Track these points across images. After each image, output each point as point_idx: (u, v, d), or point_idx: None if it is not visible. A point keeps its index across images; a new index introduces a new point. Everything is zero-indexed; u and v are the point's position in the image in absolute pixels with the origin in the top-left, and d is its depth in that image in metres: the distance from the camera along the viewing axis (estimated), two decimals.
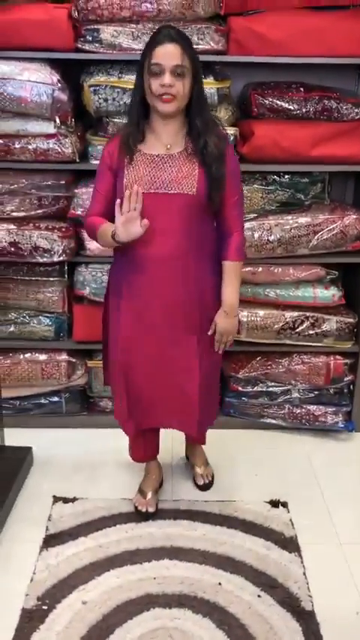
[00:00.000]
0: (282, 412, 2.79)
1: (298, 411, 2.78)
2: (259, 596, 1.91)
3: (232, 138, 2.38)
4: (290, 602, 1.89)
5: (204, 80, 2.21)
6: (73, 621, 1.81)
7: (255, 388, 2.77)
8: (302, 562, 2.06)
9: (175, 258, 1.86)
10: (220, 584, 1.95)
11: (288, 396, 2.78)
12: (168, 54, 1.70)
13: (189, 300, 1.92)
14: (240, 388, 2.77)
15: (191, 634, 1.78)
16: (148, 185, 1.79)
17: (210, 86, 2.28)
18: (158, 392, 2.02)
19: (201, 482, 2.39)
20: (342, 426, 2.77)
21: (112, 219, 1.82)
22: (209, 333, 1.99)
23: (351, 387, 2.78)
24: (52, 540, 2.11)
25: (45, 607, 1.85)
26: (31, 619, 1.81)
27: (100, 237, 1.87)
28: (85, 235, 2.52)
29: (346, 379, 2.74)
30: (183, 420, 2.07)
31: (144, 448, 2.24)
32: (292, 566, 2.03)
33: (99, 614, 1.83)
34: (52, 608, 1.85)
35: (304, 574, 2.01)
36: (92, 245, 2.52)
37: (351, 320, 2.68)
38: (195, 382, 1.99)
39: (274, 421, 2.79)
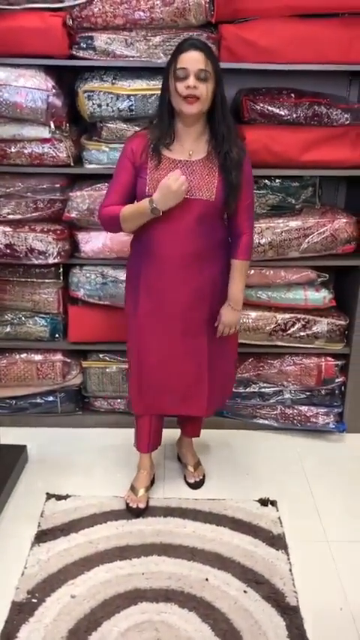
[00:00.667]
0: (274, 413, 2.83)
1: (290, 411, 2.82)
2: (245, 591, 1.95)
3: None
4: (275, 598, 1.93)
5: None
6: (62, 614, 1.85)
7: (247, 389, 2.81)
8: (289, 559, 2.09)
9: (191, 256, 2.00)
10: (207, 579, 1.99)
11: (280, 397, 2.81)
12: (193, 59, 1.84)
13: (202, 296, 2.06)
14: (233, 389, 2.80)
15: (177, 627, 1.81)
16: None
17: None
18: (169, 378, 2.15)
19: (192, 480, 2.45)
20: (333, 426, 2.80)
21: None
22: (215, 324, 2.12)
23: (342, 388, 2.81)
24: (43, 536, 2.16)
25: (35, 600, 1.89)
26: (20, 611, 1.85)
27: (127, 219, 1.95)
28: (80, 237, 2.57)
29: (337, 380, 2.78)
30: (193, 403, 2.19)
31: (149, 436, 2.29)
32: (279, 562, 2.07)
33: (87, 607, 1.87)
34: (42, 601, 1.89)
35: (290, 570, 2.04)
36: (87, 247, 2.57)
37: (342, 322, 2.71)
38: (204, 366, 2.14)
39: (266, 422, 2.83)
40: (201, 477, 2.47)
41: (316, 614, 1.88)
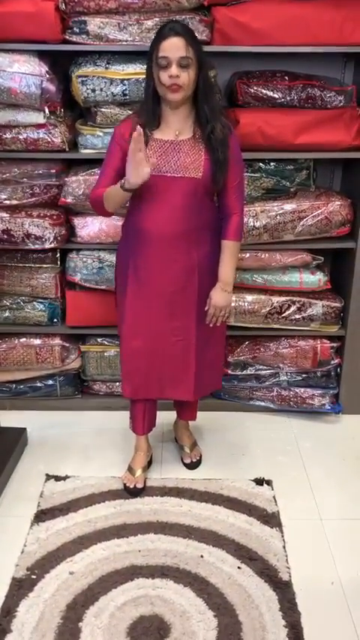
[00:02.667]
0: (270, 395, 2.86)
1: (286, 393, 2.85)
2: (239, 567, 2.00)
3: None
4: (269, 573, 1.97)
5: None
6: (60, 589, 1.90)
7: (244, 371, 2.84)
8: (283, 536, 2.14)
9: (180, 235, 2.01)
10: (202, 556, 2.04)
11: (276, 379, 2.84)
12: (174, 47, 1.83)
13: (191, 274, 2.06)
14: (230, 371, 2.83)
15: (172, 601, 1.86)
16: (158, 168, 1.93)
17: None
18: (155, 361, 2.16)
19: (188, 460, 2.49)
20: (329, 408, 2.83)
21: None
22: (205, 308, 2.11)
23: (338, 370, 2.84)
24: (42, 515, 2.20)
25: (34, 576, 1.95)
26: (20, 587, 1.90)
27: (107, 198, 1.96)
28: (76, 222, 2.59)
29: (332, 362, 2.80)
30: (180, 387, 2.21)
31: (143, 418, 2.33)
32: (273, 540, 2.11)
33: (85, 583, 1.93)
34: (41, 577, 1.95)
35: (284, 547, 2.09)
36: (83, 232, 2.59)
37: (337, 304, 2.73)
38: (192, 350, 2.15)
39: (262, 403, 2.86)
40: (197, 458, 2.50)
41: (308, 588, 1.92)
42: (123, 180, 1.89)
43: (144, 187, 1.91)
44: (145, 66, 1.96)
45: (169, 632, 1.76)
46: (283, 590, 1.91)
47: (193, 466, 2.48)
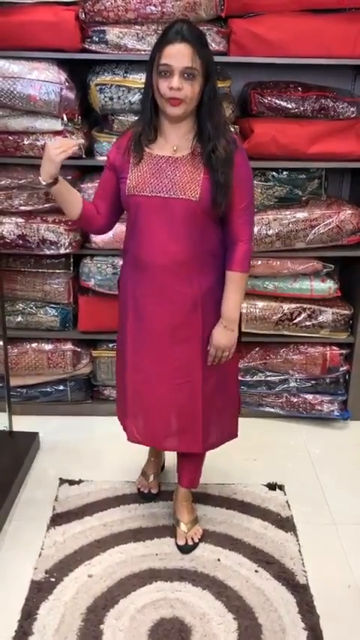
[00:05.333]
0: (280, 401, 2.89)
1: (296, 399, 2.88)
2: (256, 571, 2.01)
3: None
4: (286, 577, 1.99)
5: None
6: (80, 592, 1.91)
7: (254, 378, 2.87)
8: (298, 540, 2.16)
9: (179, 264, 1.78)
10: (219, 560, 2.05)
11: (286, 386, 2.87)
12: (178, 54, 1.60)
13: (192, 302, 1.83)
14: (240, 378, 2.85)
15: (192, 604, 1.88)
16: (151, 188, 1.73)
17: None
18: (159, 403, 1.92)
19: (182, 541, 2.09)
20: (338, 414, 2.87)
21: (108, 217, 1.90)
22: (208, 348, 1.86)
23: (346, 376, 2.88)
24: (58, 519, 2.21)
25: (53, 579, 1.95)
26: (40, 590, 1.91)
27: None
28: None
29: (341, 369, 2.84)
30: (185, 437, 1.95)
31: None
32: (288, 544, 2.13)
33: (104, 586, 1.94)
34: (60, 580, 1.95)
35: (299, 551, 2.11)
36: (97, 238, 2.61)
37: (346, 312, 2.77)
38: (197, 394, 1.90)
39: (272, 409, 2.89)
40: (196, 541, 2.09)
41: (325, 591, 1.94)
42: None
43: (135, 210, 1.77)
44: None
45: (191, 635, 1.78)
46: (301, 593, 1.93)
47: (187, 549, 2.07)
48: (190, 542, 2.10)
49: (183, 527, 2.12)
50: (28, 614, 1.83)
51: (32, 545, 2.10)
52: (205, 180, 1.72)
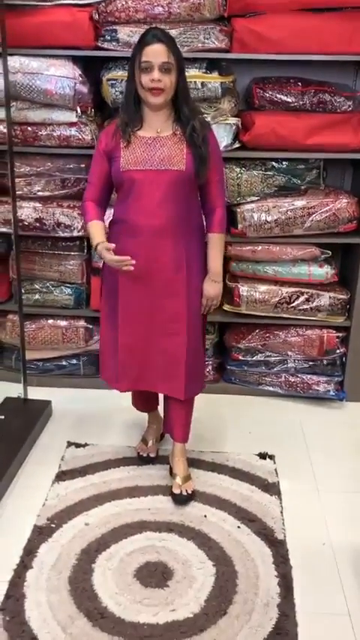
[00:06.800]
0: (279, 380, 3.04)
1: (294, 379, 3.03)
2: (238, 527, 2.19)
3: (234, 127, 2.66)
4: (265, 533, 2.16)
5: (210, 75, 2.53)
6: (76, 537, 2.12)
7: (254, 357, 3.03)
8: (281, 503, 2.32)
9: (166, 227, 2.07)
10: (205, 516, 2.23)
11: (284, 366, 3.03)
12: (156, 52, 1.95)
13: (177, 265, 2.11)
14: (241, 357, 3.03)
15: (176, 551, 2.06)
16: (143, 163, 2.03)
17: (215, 80, 2.56)
18: (147, 355, 2.19)
19: (177, 490, 2.29)
20: (334, 394, 3.01)
21: (103, 202, 2.17)
22: (202, 300, 2.18)
23: (343, 358, 3.02)
24: (63, 476, 2.43)
25: (53, 525, 2.17)
26: (41, 533, 2.13)
27: (87, 229, 2.16)
28: None
29: (338, 351, 2.98)
30: (171, 384, 2.22)
31: (143, 402, 2.52)
32: (272, 505, 2.30)
33: (98, 533, 2.14)
34: (59, 526, 2.16)
35: (281, 512, 2.27)
36: (108, 221, 2.81)
37: (343, 296, 2.91)
38: (183, 346, 2.16)
39: (271, 388, 3.05)
40: (189, 492, 2.29)
41: (301, 547, 2.10)
42: (98, 247, 2.04)
43: (129, 183, 2.03)
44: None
45: (172, 576, 1.97)
46: (277, 547, 2.09)
47: (181, 499, 2.27)
48: (184, 493, 2.29)
49: (178, 479, 2.33)
50: (29, 551, 2.04)
51: (38, 496, 2.32)
52: (188, 154, 2.04)
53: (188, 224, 2.13)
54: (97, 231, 2.10)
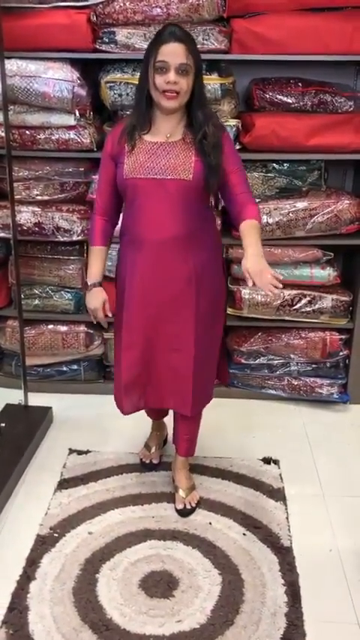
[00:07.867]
0: (281, 383, 3.02)
1: (297, 382, 3.01)
2: (244, 534, 2.16)
3: (234, 129, 2.63)
4: (271, 540, 2.13)
5: (209, 76, 2.50)
6: (80, 546, 2.09)
7: (257, 361, 3.01)
8: (286, 509, 2.29)
9: (174, 240, 1.93)
10: (210, 523, 2.20)
11: (287, 369, 3.00)
12: (174, 52, 1.78)
13: (187, 278, 1.97)
14: (243, 360, 3.00)
15: (181, 560, 2.04)
16: (147, 171, 1.89)
17: (214, 82, 2.53)
18: (154, 372, 2.09)
19: (181, 505, 2.25)
20: (337, 397, 2.98)
21: (112, 214, 2.08)
22: (249, 284, 1.81)
23: (346, 361, 2.99)
24: (65, 484, 2.40)
25: (56, 535, 2.14)
26: (43, 543, 2.10)
27: (89, 253, 2.15)
28: None
29: (341, 354, 2.95)
30: (177, 399, 2.12)
31: (154, 412, 2.44)
32: (277, 511, 2.27)
33: (102, 542, 2.11)
34: (62, 536, 2.13)
35: (287, 519, 2.24)
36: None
37: (346, 298, 2.88)
38: (190, 362, 2.04)
39: (273, 392, 3.02)
40: (193, 505, 2.26)
41: (307, 553, 2.08)
42: (90, 285, 2.08)
43: (132, 193, 1.91)
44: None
45: (178, 585, 1.94)
46: (284, 555, 2.06)
47: (185, 513, 2.23)
48: (188, 507, 2.25)
49: (181, 492, 2.28)
50: (32, 562, 2.01)
51: (40, 505, 2.29)
52: (197, 162, 1.89)
53: (199, 238, 1.98)
54: (95, 264, 2.08)
